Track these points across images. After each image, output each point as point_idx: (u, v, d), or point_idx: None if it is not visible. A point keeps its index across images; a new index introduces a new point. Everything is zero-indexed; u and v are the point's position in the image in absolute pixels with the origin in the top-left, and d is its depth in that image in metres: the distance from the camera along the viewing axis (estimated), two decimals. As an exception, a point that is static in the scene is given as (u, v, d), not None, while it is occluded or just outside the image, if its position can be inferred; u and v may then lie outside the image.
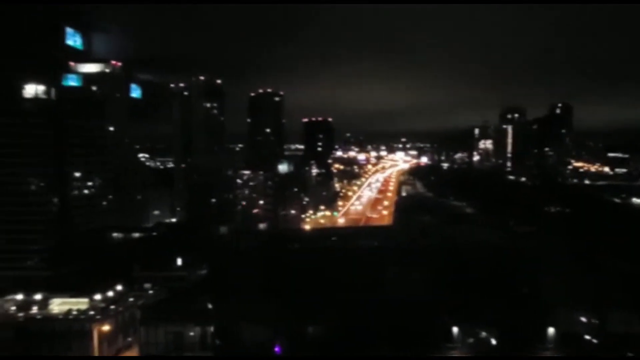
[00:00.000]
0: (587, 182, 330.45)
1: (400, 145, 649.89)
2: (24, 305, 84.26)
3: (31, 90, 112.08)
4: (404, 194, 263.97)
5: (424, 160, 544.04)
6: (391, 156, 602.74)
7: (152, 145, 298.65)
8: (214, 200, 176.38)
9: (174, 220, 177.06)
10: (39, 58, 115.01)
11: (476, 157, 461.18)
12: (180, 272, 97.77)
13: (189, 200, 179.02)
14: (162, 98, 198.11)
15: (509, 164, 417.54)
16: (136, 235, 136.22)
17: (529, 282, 74.07)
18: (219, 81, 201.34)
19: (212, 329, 68.82)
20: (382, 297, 69.08)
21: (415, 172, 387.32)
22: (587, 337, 64.21)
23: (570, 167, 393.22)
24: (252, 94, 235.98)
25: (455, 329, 64.68)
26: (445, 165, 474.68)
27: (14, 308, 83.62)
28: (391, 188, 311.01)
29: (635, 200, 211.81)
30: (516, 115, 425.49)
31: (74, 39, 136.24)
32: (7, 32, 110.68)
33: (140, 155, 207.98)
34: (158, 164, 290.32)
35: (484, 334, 64.56)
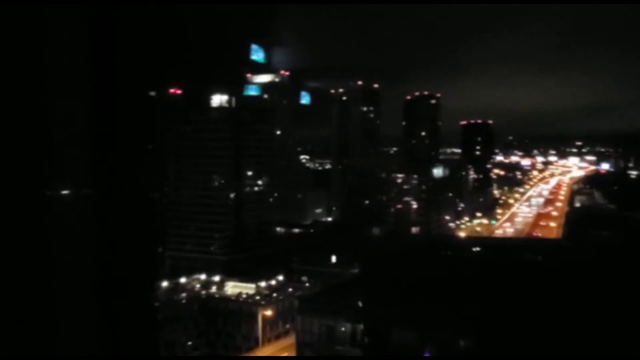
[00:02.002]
0: None
1: (575, 150, 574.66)
2: (206, 285, 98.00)
3: (217, 100, 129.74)
4: (577, 204, 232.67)
5: (605, 166, 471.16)
6: (562, 162, 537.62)
7: (313, 148, 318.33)
8: (367, 201, 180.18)
9: (329, 219, 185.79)
10: (227, 72, 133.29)
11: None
12: (334, 269, 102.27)
13: (344, 200, 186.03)
14: (325, 104, 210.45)
15: None
16: (296, 230, 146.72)
17: None
18: (375, 85, 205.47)
19: (361, 327, 70.21)
20: (544, 319, 61.98)
21: (592, 181, 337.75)
22: None
23: None
24: (408, 97, 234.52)
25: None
26: (633, 173, 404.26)
27: (198, 286, 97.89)
28: (561, 197, 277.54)
29: None
30: None
31: (257, 54, 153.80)
32: (202, 49, 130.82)
33: (302, 156, 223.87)
34: (317, 165, 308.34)
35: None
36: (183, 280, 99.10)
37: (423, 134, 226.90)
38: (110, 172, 37.78)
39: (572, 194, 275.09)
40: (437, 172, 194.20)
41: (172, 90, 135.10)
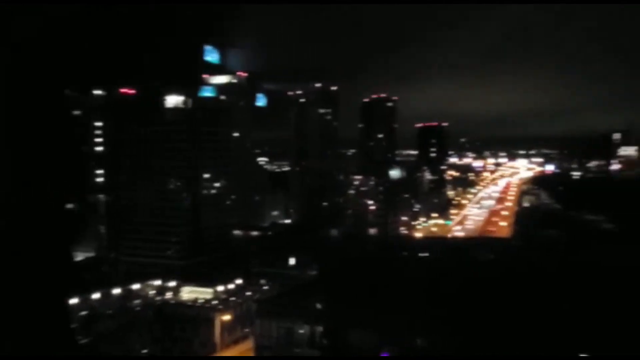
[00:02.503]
0: None
1: (523, 152, 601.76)
2: (161, 291, 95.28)
3: (172, 101, 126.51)
4: (525, 204, 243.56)
5: (551, 168, 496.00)
6: (512, 163, 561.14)
7: (271, 150, 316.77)
8: (326, 203, 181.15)
9: (288, 221, 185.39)
10: (181, 72, 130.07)
11: (616, 166, 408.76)
12: (292, 271, 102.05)
13: (303, 202, 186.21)
14: (283, 106, 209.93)
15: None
16: (254, 233, 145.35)
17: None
18: (334, 88, 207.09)
19: (320, 329, 70.40)
20: (499, 316, 64.41)
21: (539, 181, 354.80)
22: None
23: None
24: (365, 100, 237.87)
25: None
26: (576, 174, 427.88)
27: (153, 292, 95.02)
28: (511, 197, 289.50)
29: None
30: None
31: (211, 55, 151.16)
32: (155, 50, 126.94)
33: (260, 159, 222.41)
34: (275, 167, 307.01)
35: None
36: (136, 286, 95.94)
37: (380, 136, 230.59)
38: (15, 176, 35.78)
39: (521, 194, 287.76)
40: (394, 173, 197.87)
41: (123, 91, 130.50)
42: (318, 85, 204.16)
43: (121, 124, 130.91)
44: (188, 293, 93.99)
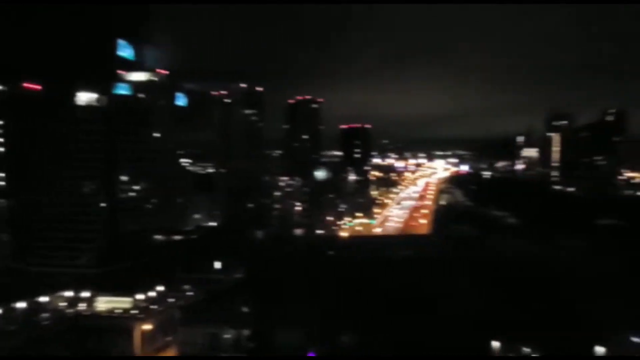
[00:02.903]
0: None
1: (440, 153, 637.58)
2: (73, 302, 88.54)
3: (84, 97, 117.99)
4: (442, 202, 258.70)
5: (465, 168, 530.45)
6: (430, 163, 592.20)
7: (194, 151, 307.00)
8: (251, 205, 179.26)
9: (212, 223, 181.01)
10: (92, 68, 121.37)
11: (520, 166, 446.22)
12: (217, 275, 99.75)
13: (227, 205, 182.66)
14: (205, 106, 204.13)
15: (555, 173, 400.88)
16: (177, 237, 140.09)
17: (578, 299, 70.70)
18: (259, 89, 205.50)
19: (246, 332, 69.65)
20: (419, 309, 67.80)
21: (454, 181, 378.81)
22: None
23: (623, 177, 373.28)
24: (290, 101, 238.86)
25: (496, 344, 62.52)
26: (486, 173, 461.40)
27: (64, 304, 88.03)
28: (430, 196, 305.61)
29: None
30: (563, 121, 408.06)
31: (125, 51, 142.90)
32: (64, 43, 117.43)
33: (183, 160, 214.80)
34: (199, 168, 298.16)
35: (526, 350, 62.05)
36: (45, 299, 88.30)
37: (305, 137, 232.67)
38: None
39: (439, 193, 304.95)
40: (319, 174, 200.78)
41: (27, 86, 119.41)
42: (243, 85, 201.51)
43: (25, 122, 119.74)
44: (104, 303, 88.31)
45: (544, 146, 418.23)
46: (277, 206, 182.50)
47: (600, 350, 60.44)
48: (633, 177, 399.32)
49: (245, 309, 73.89)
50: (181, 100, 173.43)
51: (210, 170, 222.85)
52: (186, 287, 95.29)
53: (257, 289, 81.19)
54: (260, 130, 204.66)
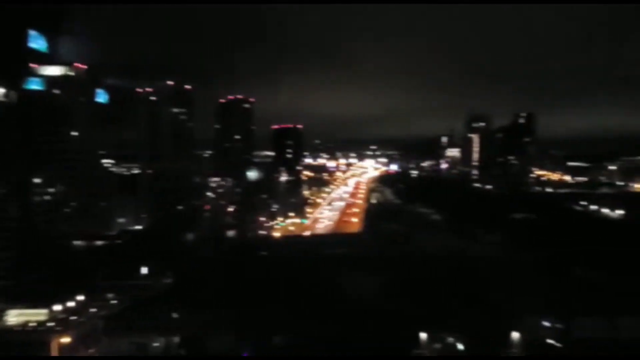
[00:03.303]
0: (549, 190, 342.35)
1: (370, 153, 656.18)
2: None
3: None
4: (373, 201, 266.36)
5: (393, 167, 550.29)
6: (361, 163, 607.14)
7: (118, 151, 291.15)
8: (180, 207, 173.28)
9: (139, 227, 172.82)
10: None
11: (444, 165, 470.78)
12: (145, 281, 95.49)
13: (155, 207, 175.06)
14: (129, 103, 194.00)
15: (475, 171, 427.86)
16: (99, 243, 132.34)
17: (495, 289, 75.86)
18: (188, 87, 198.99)
19: (177, 339, 67.33)
20: (350, 305, 69.30)
21: (384, 180, 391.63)
22: (551, 342, 66.09)
23: (533, 175, 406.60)
24: (222, 100, 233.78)
25: (423, 335, 65.44)
26: (414, 172, 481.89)
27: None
28: (361, 195, 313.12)
29: (593, 207, 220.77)
30: (482, 123, 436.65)
31: (37, 42, 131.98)
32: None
33: (105, 161, 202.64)
34: (123, 169, 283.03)
35: (451, 339, 65.57)
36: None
37: (237, 137, 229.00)
38: None
39: (369, 192, 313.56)
40: (252, 174, 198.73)
41: None
42: (170, 83, 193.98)
43: None
44: (16, 317, 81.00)
45: (465, 146, 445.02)
46: (208, 208, 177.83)
47: (515, 335, 65.34)
48: (542, 175, 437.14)
49: (174, 315, 71.30)
50: (102, 96, 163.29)
51: (136, 171, 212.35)
52: (110, 295, 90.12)
53: (187, 293, 78.67)
54: (189, 129, 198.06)
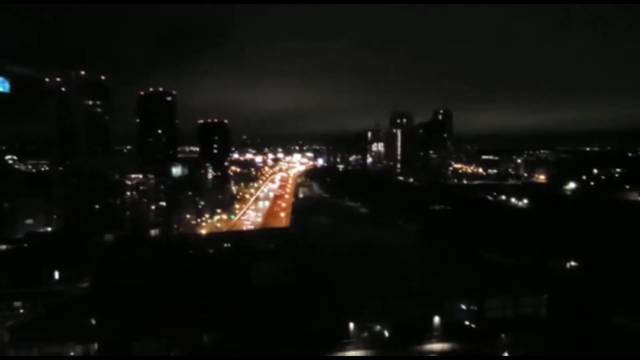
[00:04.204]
0: (465, 182, 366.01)
1: (297, 148, 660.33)
2: None
3: None
4: (301, 195, 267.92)
5: (320, 162, 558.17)
6: (288, 158, 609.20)
7: (23, 146, 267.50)
8: (98, 206, 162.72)
9: (49, 229, 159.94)
10: None
11: (369, 160, 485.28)
12: (57, 287, 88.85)
13: (69, 207, 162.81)
14: (37, 94, 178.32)
15: (399, 165, 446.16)
16: (3, 247, 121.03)
17: (418, 277, 79.53)
18: (102, 77, 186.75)
19: (95, 346, 63.34)
20: (279, 299, 69.31)
21: (311, 174, 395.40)
22: (467, 323, 70.80)
23: (450, 168, 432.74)
24: (142, 93, 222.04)
25: (351, 325, 67.12)
26: (340, 167, 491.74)
27: None
28: (289, 190, 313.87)
29: (502, 198, 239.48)
30: (404, 119, 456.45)
31: None
32: None
33: (8, 157, 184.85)
34: (30, 167, 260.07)
35: (377, 327, 67.91)
36: None
37: (159, 131, 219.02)
38: None
39: (297, 187, 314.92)
40: (176, 171, 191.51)
41: None
42: (82, 73, 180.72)
43: None
44: None
45: (389, 141, 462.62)
46: (129, 206, 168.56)
47: (436, 319, 69.19)
48: (458, 168, 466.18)
49: (93, 321, 66.93)
50: (2, 85, 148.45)
51: (45, 168, 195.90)
52: (17, 303, 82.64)
53: (106, 297, 74.14)
54: (107, 123, 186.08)
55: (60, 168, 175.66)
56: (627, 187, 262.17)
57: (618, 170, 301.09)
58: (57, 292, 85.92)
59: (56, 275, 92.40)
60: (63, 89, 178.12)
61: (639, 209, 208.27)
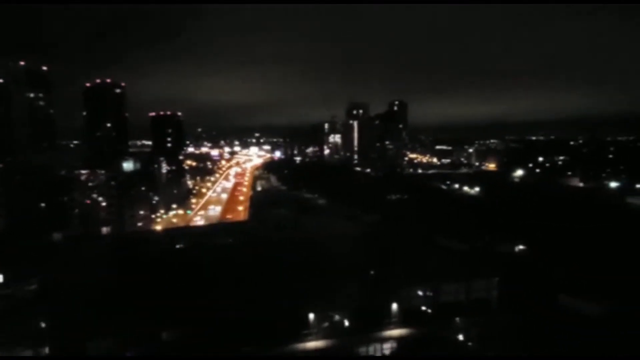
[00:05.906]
0: (420, 171, 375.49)
1: (254, 140, 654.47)
2: None
3: None
4: (259, 188, 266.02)
5: (278, 154, 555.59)
6: (245, 151, 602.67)
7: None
8: (44, 204, 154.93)
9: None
10: None
11: (327, 151, 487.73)
12: (4, 290, 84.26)
13: (11, 206, 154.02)
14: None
15: (356, 156, 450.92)
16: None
17: (376, 266, 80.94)
18: (44, 67, 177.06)
19: (46, 350, 60.61)
20: (238, 293, 68.75)
21: (269, 167, 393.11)
22: (424, 308, 73.04)
23: (406, 158, 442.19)
24: (88, 84, 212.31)
25: (311, 316, 67.59)
26: (298, 159, 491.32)
27: None
28: (246, 183, 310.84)
29: (456, 186, 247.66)
30: (360, 111, 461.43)
31: None
32: None
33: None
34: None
35: (337, 317, 68.75)
36: None
37: (109, 125, 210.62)
38: None
39: (254, 179, 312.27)
40: (128, 165, 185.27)
41: None
42: (22, 63, 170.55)
43: None
44: None
45: (346, 133, 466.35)
46: (77, 204, 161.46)
47: (394, 306, 70.88)
48: (414, 158, 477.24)
49: (43, 324, 63.90)
50: None
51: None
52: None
53: (56, 299, 70.93)
54: (51, 117, 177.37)
55: (2, 165, 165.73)
56: (569, 173, 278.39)
57: (561, 158, 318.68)
58: (3, 296, 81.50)
59: (0, 278, 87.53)
60: (0, 79, 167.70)
61: (579, 194, 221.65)
